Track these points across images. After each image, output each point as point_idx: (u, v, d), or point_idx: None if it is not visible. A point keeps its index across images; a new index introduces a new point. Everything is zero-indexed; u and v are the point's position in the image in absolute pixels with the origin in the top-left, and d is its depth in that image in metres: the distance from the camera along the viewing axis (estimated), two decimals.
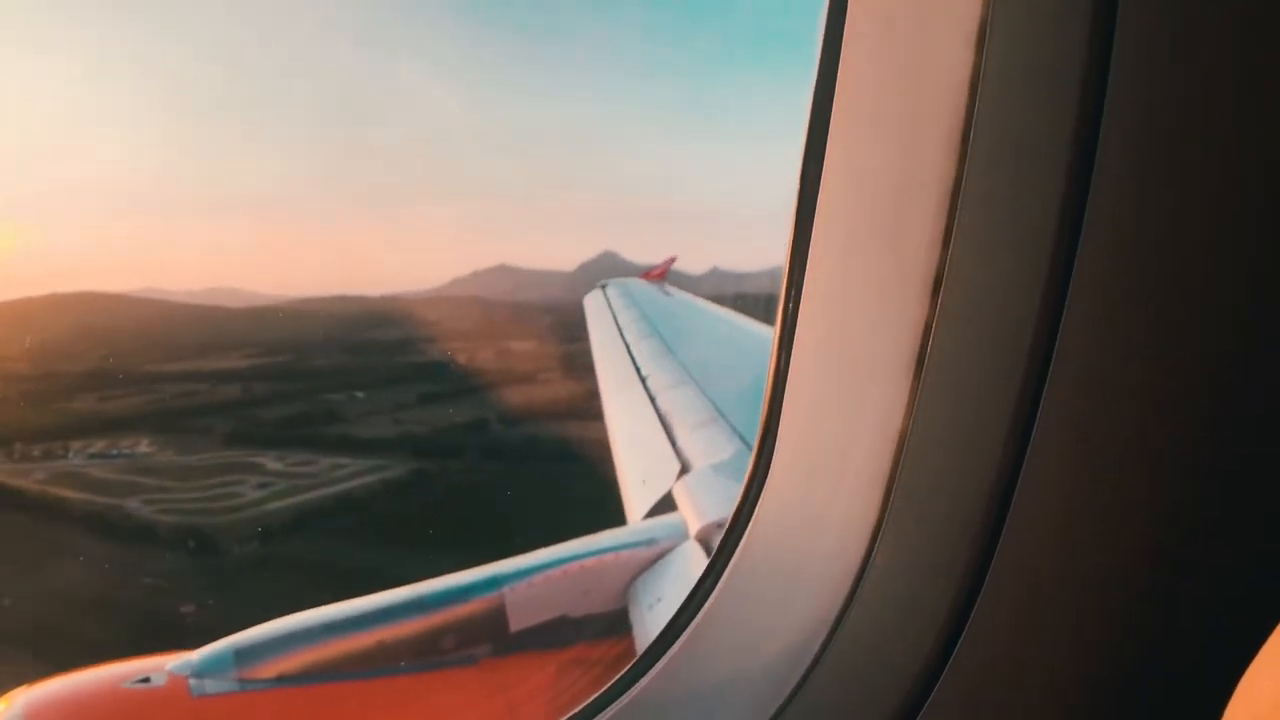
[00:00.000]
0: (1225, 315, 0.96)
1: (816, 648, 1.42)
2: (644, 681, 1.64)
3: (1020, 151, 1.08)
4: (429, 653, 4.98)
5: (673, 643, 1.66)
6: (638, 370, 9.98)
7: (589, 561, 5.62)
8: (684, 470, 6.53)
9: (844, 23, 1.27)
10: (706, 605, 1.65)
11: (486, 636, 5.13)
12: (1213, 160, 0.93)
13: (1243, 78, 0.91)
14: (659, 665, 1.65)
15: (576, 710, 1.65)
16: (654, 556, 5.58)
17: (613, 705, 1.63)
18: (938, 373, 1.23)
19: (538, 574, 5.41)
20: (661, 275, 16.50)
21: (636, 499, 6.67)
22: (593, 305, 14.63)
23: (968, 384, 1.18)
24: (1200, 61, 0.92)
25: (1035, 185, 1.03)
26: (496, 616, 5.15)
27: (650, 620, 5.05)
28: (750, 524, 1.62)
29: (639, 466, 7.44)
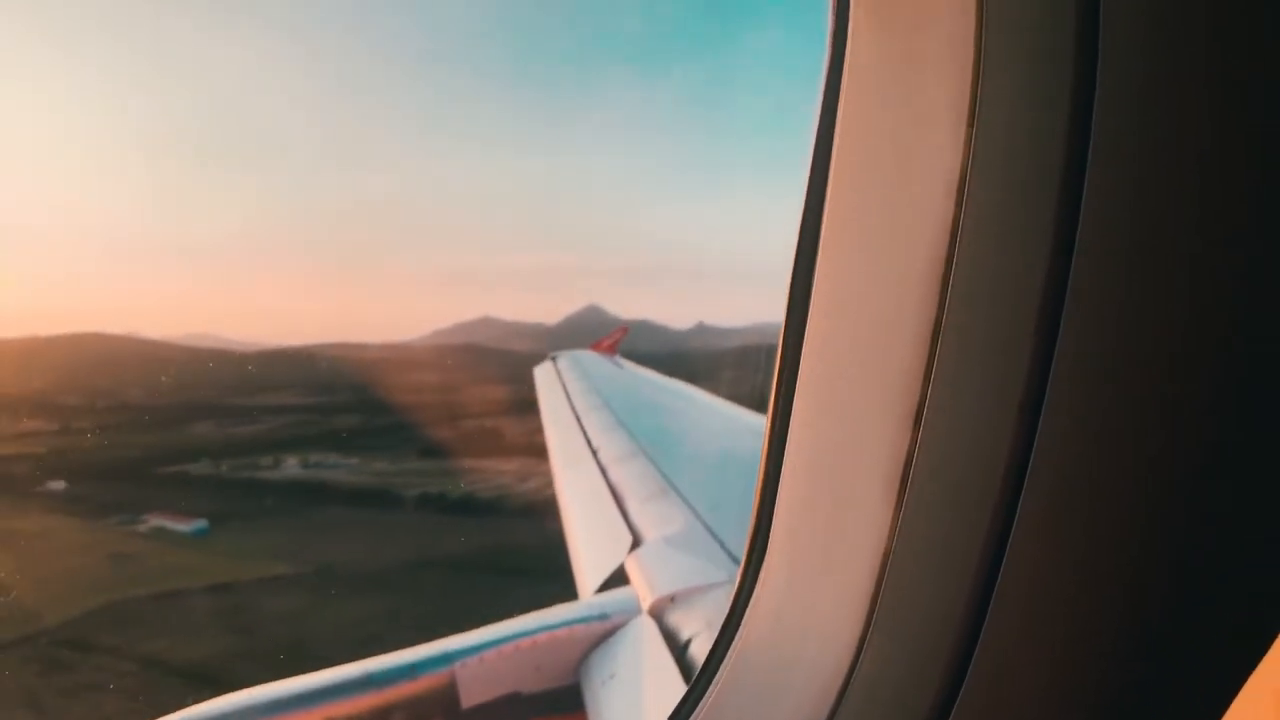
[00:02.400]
0: (1198, 421, 1.01)
1: None
2: None
3: (996, 290, 1.16)
4: None
5: None
6: (588, 442, 9.98)
7: (541, 636, 5.56)
8: (636, 543, 6.53)
9: (845, 53, 1.34)
10: (699, 710, 1.70)
11: (437, 713, 5.04)
12: (1190, 254, 0.98)
13: (1227, 153, 0.95)
14: None
15: None
16: (607, 631, 5.55)
17: None
18: (919, 495, 1.32)
19: (489, 649, 5.35)
20: (612, 348, 16.57)
21: (588, 572, 6.64)
22: (543, 377, 14.63)
23: (946, 505, 1.26)
24: (1193, 47, 0.95)
25: (1008, 327, 1.12)
26: (447, 693, 5.07)
27: (604, 696, 5.01)
28: (739, 632, 1.69)
29: (590, 540, 7.41)
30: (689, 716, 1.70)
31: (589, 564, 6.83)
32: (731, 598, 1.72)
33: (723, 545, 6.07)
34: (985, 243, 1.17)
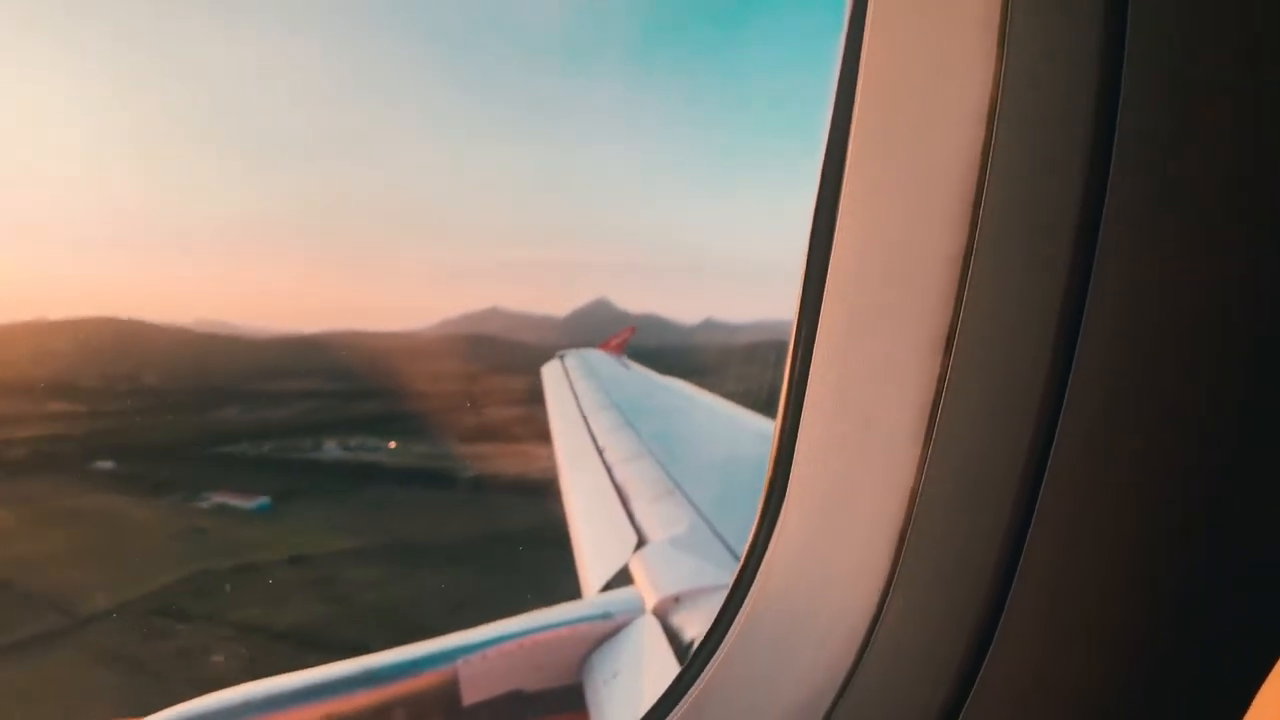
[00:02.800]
0: (1229, 402, 0.99)
1: (826, 706, 1.41)
2: None
3: (1030, 213, 1.12)
4: None
5: (679, 701, 1.63)
6: (594, 442, 9.96)
7: (543, 635, 5.54)
8: (641, 543, 6.50)
9: (854, 96, 1.31)
10: (713, 662, 1.62)
11: (438, 711, 5.02)
12: (1223, 218, 0.96)
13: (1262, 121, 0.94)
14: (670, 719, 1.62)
15: None
16: (610, 630, 5.52)
17: None
18: (948, 430, 1.26)
19: (491, 647, 5.32)
20: (620, 347, 16.57)
21: (593, 572, 6.61)
22: (550, 375, 14.63)
23: (977, 441, 1.20)
24: (1217, 38, 0.94)
25: (1044, 248, 1.07)
26: (448, 690, 5.04)
27: (606, 695, 4.97)
28: (758, 577, 1.61)
29: (595, 539, 7.39)
30: (700, 672, 1.62)
31: (593, 563, 6.80)
32: (747, 544, 1.63)
33: (728, 547, 6.04)
34: (1019, 161, 1.13)
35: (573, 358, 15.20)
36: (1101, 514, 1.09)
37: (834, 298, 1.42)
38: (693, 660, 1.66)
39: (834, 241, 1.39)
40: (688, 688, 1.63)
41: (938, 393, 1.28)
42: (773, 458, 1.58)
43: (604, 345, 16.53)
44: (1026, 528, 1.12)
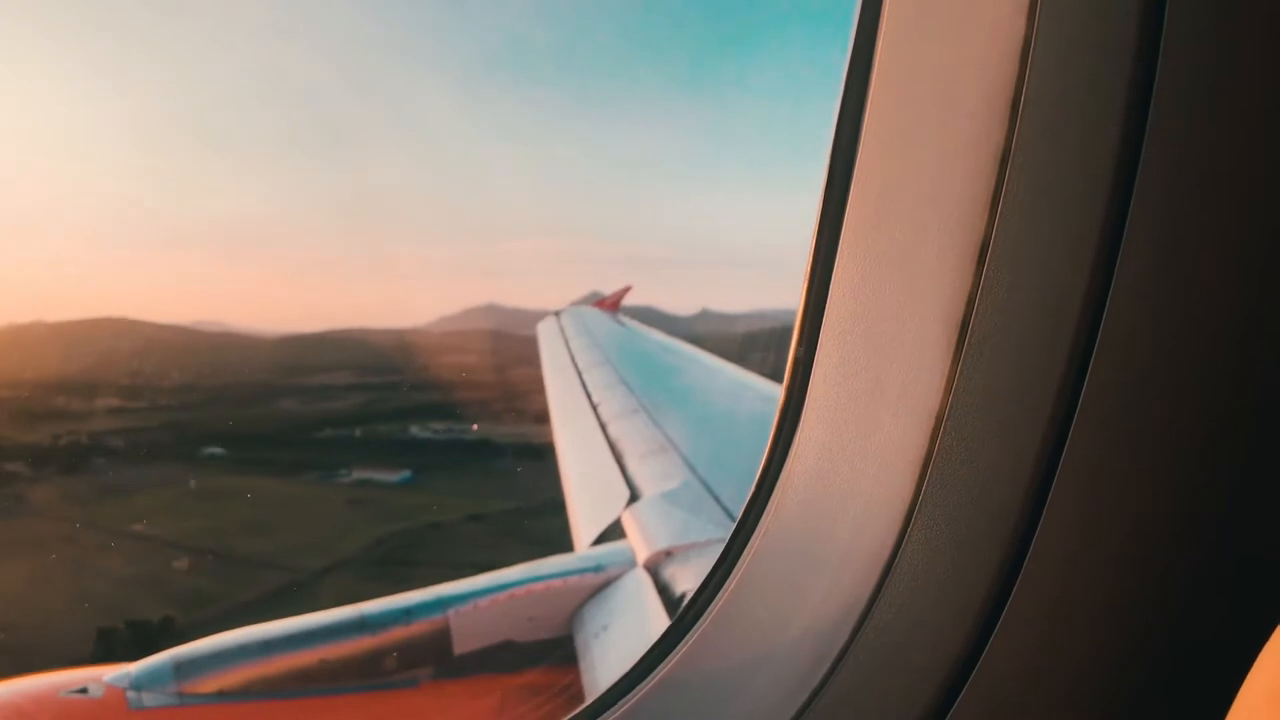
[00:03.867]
0: (1275, 292, 0.98)
1: (846, 635, 1.35)
2: (661, 670, 1.56)
3: (1070, 118, 1.06)
4: (370, 673, 4.92)
5: (692, 627, 1.57)
6: (589, 398, 9.98)
7: (535, 586, 5.60)
8: (633, 498, 6.55)
9: (878, 30, 1.25)
10: (726, 588, 1.56)
11: (429, 659, 5.09)
12: (1265, 126, 0.94)
13: None
14: (677, 653, 1.56)
15: (594, 699, 1.57)
16: (601, 583, 5.58)
17: (631, 694, 1.55)
18: (980, 348, 1.16)
19: (483, 597, 5.38)
20: (615, 305, 16.52)
21: (585, 525, 6.67)
22: (546, 332, 14.61)
23: (1011, 360, 1.13)
24: (1254, 26, 0.93)
25: (1085, 153, 1.03)
26: (440, 639, 5.11)
27: (597, 647, 5.04)
28: (771, 503, 1.53)
29: (588, 493, 7.43)
30: (711, 601, 1.56)
31: (586, 517, 6.85)
32: (761, 466, 1.54)
33: (720, 503, 6.08)
34: (1061, 60, 1.08)
35: (568, 315, 15.17)
36: (1133, 447, 1.05)
37: (859, 200, 1.32)
38: (703, 586, 1.60)
39: (860, 141, 1.29)
40: (701, 613, 1.57)
41: (969, 307, 1.17)
42: (789, 373, 1.49)
43: (600, 303, 16.49)
44: (1056, 461, 1.07)
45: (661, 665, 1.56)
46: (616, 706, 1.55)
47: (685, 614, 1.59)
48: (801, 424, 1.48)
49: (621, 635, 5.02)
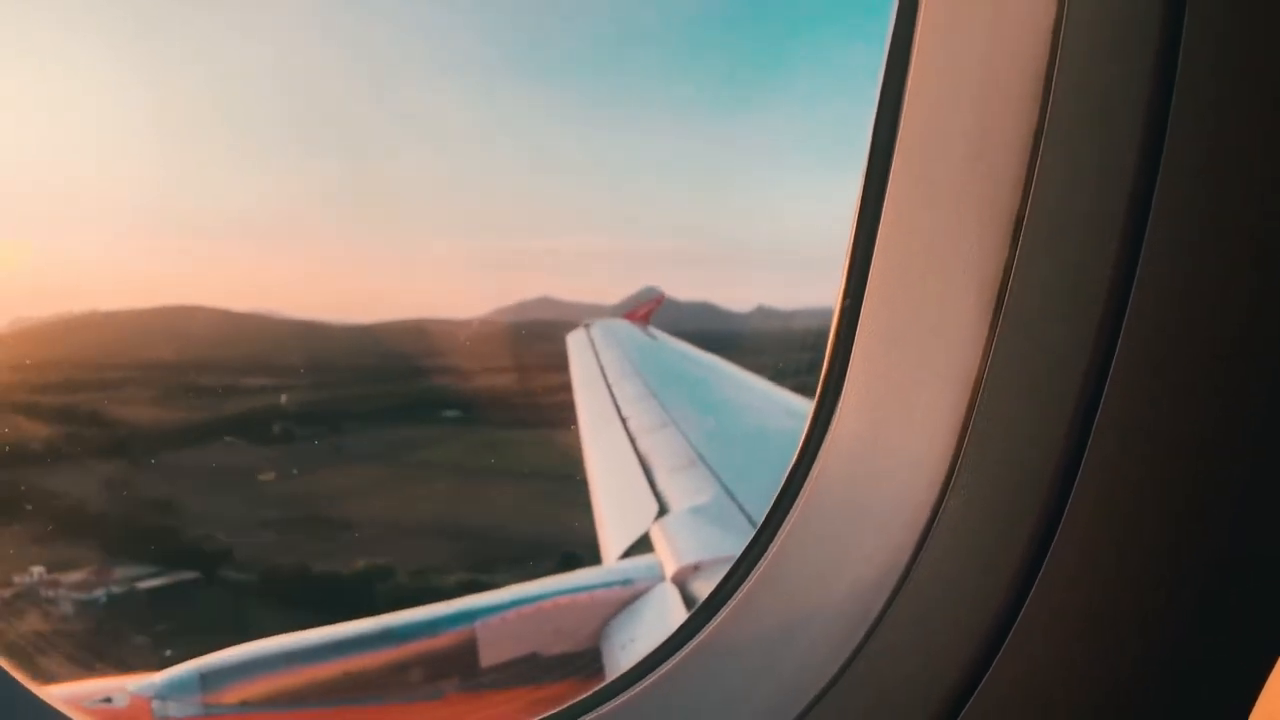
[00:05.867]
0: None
1: (885, 597, 1.38)
2: (704, 633, 1.61)
3: (1099, 96, 1.09)
4: (396, 685, 4.90)
5: (736, 589, 1.61)
6: (619, 411, 9.97)
7: (563, 599, 5.57)
8: (662, 512, 6.51)
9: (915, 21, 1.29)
10: (773, 548, 1.59)
11: (455, 671, 5.06)
12: None
13: None
14: (721, 613, 1.61)
15: (645, 657, 1.61)
16: (629, 597, 5.54)
17: (673, 656, 1.59)
18: (1016, 315, 1.21)
19: (510, 610, 5.36)
20: (645, 317, 16.51)
21: (613, 539, 6.64)
22: (576, 345, 14.63)
23: (1046, 327, 1.17)
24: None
25: (1113, 130, 1.05)
26: (467, 651, 5.09)
27: (623, 660, 5.00)
28: (816, 465, 1.57)
29: (617, 507, 7.40)
30: (757, 560, 1.60)
31: (614, 530, 6.82)
32: (805, 430, 1.58)
33: (749, 518, 6.03)
34: (1089, 41, 1.10)
35: (599, 328, 15.17)
36: (1165, 411, 1.07)
37: (901, 175, 1.37)
38: (744, 555, 1.62)
39: (900, 123, 1.35)
40: (745, 577, 1.60)
41: (1005, 276, 1.22)
42: (831, 344, 1.53)
43: (629, 315, 16.49)
44: (1090, 427, 1.09)
45: (704, 628, 1.60)
46: (658, 668, 1.59)
47: (732, 574, 1.63)
48: (844, 392, 1.52)
49: (649, 649, 4.98)
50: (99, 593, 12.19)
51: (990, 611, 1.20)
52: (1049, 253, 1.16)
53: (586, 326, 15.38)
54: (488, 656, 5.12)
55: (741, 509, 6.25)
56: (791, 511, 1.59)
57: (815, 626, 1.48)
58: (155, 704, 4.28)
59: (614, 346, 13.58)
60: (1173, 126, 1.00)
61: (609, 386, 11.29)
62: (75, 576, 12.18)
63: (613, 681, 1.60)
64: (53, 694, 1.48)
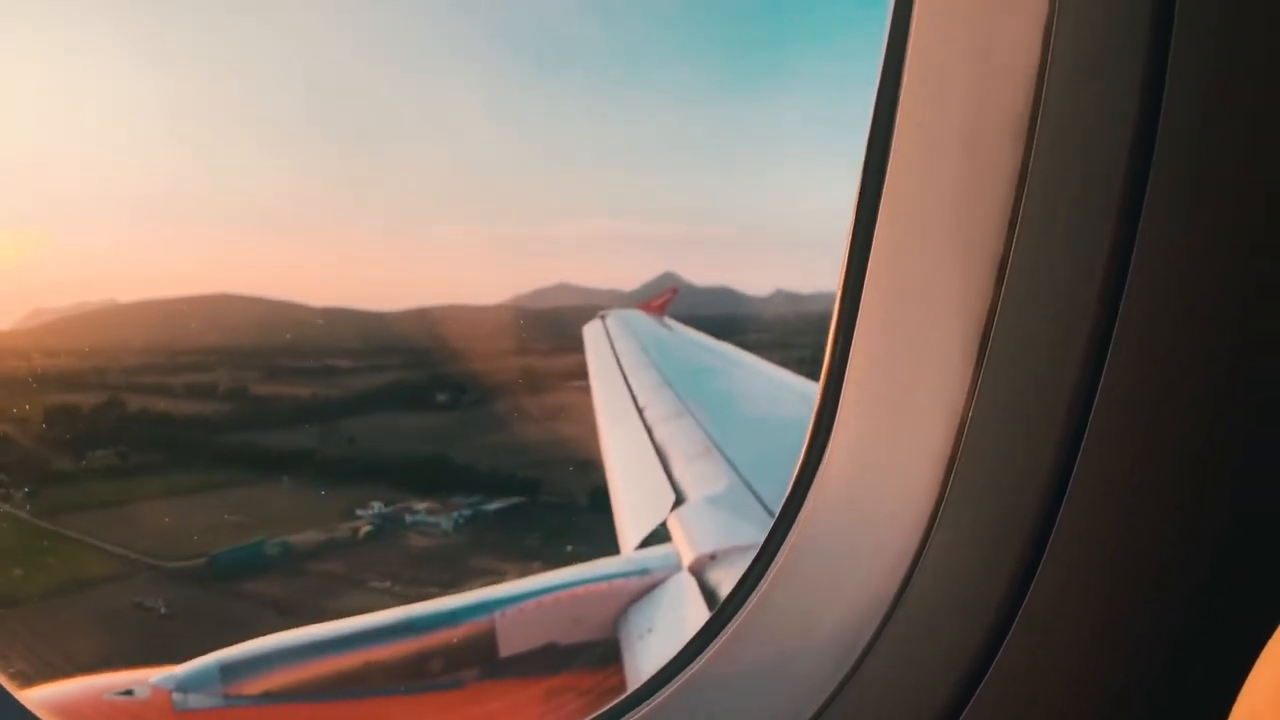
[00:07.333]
0: None
1: (873, 629, 1.42)
2: (698, 663, 1.63)
3: (1083, 141, 1.11)
4: (416, 675, 4.93)
5: (729, 621, 1.64)
6: (635, 401, 9.96)
7: (580, 589, 5.58)
8: (679, 501, 6.51)
9: (911, 13, 1.30)
10: (764, 582, 1.63)
11: (475, 661, 5.08)
12: (1272, 144, 0.96)
13: None
14: (715, 645, 1.63)
15: (630, 693, 1.64)
16: (646, 587, 5.54)
17: (666, 688, 1.61)
18: (1000, 357, 1.24)
19: (529, 600, 5.37)
20: (661, 308, 16.49)
21: (630, 528, 6.64)
22: (591, 335, 14.63)
23: (1030, 369, 1.19)
24: (1258, 52, 0.95)
25: (1097, 174, 1.07)
26: (486, 641, 5.10)
27: (641, 650, 5.00)
28: (805, 503, 1.61)
29: (634, 496, 7.41)
30: (753, 590, 1.63)
31: (631, 520, 6.83)
32: (799, 463, 1.62)
33: (765, 506, 6.02)
34: (1073, 89, 1.13)
35: (614, 318, 15.16)
36: (1147, 450, 1.08)
37: (888, 220, 1.39)
38: (741, 584, 1.65)
39: (889, 158, 1.38)
40: (738, 608, 1.63)
41: (989, 317, 1.26)
42: (823, 381, 1.57)
43: (645, 306, 16.47)
44: (1072, 464, 1.11)
45: (698, 659, 1.62)
46: (652, 699, 1.61)
47: (724, 607, 1.66)
48: (835, 428, 1.56)
49: (666, 638, 4.98)
50: (455, 515, 15.87)
51: (975, 642, 1.22)
52: (1032, 294, 1.20)
53: (602, 317, 15.38)
54: (507, 646, 5.13)
55: (758, 497, 6.24)
56: (783, 545, 1.62)
57: (804, 658, 1.52)
58: (176, 696, 4.31)
59: (629, 337, 13.57)
60: (1155, 170, 1.02)
61: (625, 376, 11.28)
62: (424, 504, 16.10)
63: (602, 713, 1.62)
64: (30, 696, 1.51)
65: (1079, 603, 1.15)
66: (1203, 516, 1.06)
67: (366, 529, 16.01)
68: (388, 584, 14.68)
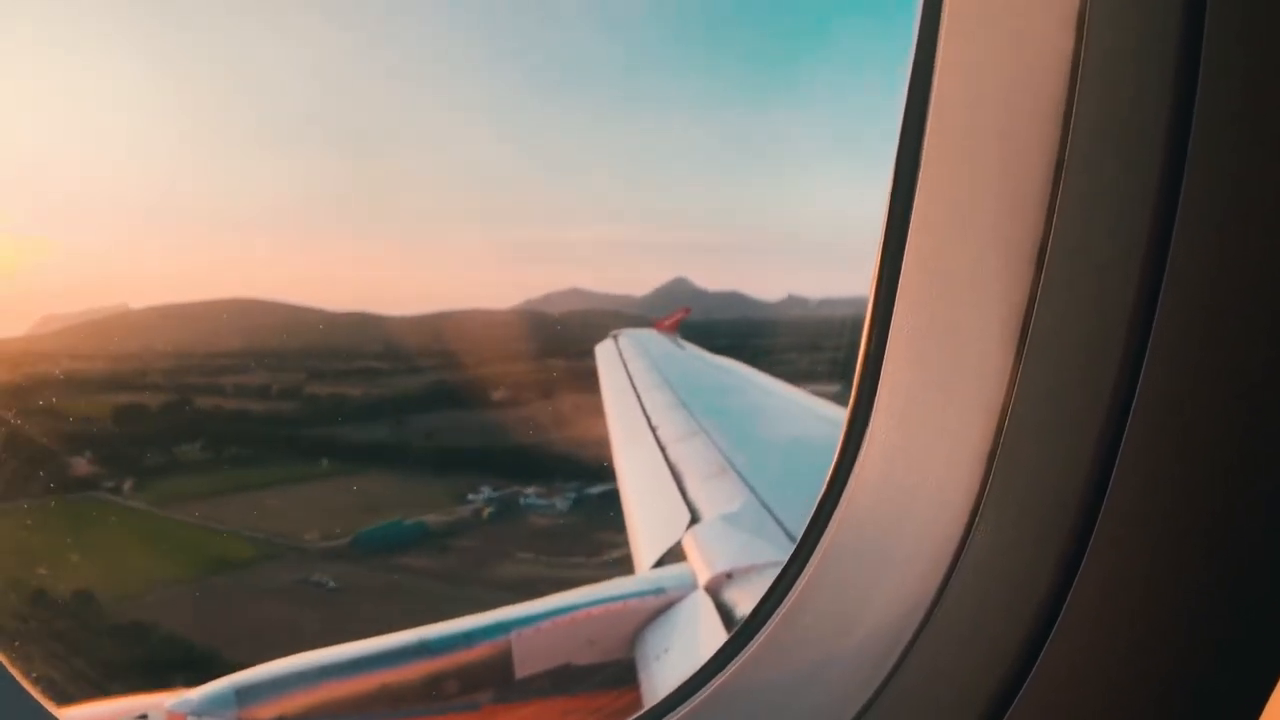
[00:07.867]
0: None
1: (911, 632, 1.40)
2: (731, 668, 1.62)
3: (1119, 129, 1.10)
4: (431, 697, 4.90)
5: (763, 626, 1.63)
6: (648, 421, 9.95)
7: (596, 610, 5.55)
8: (694, 520, 6.48)
9: (942, 5, 1.29)
10: (800, 583, 1.61)
11: (490, 682, 5.06)
12: None
13: None
14: (749, 649, 1.62)
15: (669, 693, 1.63)
16: (662, 606, 5.51)
17: (706, 687, 1.60)
18: (1041, 345, 1.23)
19: (544, 621, 5.35)
20: (673, 327, 16.50)
21: (645, 548, 6.61)
22: (603, 355, 14.63)
23: (1070, 357, 1.18)
24: None
25: (1136, 159, 1.06)
26: (502, 662, 5.08)
27: (658, 670, 4.97)
28: (843, 499, 1.59)
29: (649, 516, 7.38)
30: (788, 592, 1.61)
31: (646, 539, 6.80)
32: (834, 460, 1.60)
33: (781, 525, 5.99)
34: (1107, 77, 1.12)
35: (626, 338, 15.18)
36: (1191, 439, 1.06)
37: (923, 210, 1.38)
38: (778, 582, 1.64)
39: (924, 147, 1.35)
40: (775, 608, 1.61)
41: (1029, 309, 1.25)
42: (858, 374, 1.55)
43: (658, 325, 16.48)
44: (1114, 456, 1.09)
45: (731, 664, 1.61)
46: (685, 704, 1.61)
47: (759, 610, 1.64)
48: (871, 422, 1.53)
49: (683, 658, 4.94)
50: (566, 496, 16.89)
51: (1016, 644, 1.20)
52: (1072, 282, 1.18)
53: (614, 337, 15.39)
54: (523, 667, 5.11)
55: (774, 516, 6.21)
56: (818, 546, 1.60)
57: (840, 662, 1.50)
58: None
59: (642, 356, 13.57)
60: (1192, 156, 1.00)
61: (638, 396, 11.27)
62: (530, 489, 17.08)
63: (638, 718, 1.62)
64: (69, 714, 1.50)
65: (1122, 602, 1.12)
66: (1247, 511, 1.04)
67: (489, 510, 17.28)
68: (530, 555, 15.72)
